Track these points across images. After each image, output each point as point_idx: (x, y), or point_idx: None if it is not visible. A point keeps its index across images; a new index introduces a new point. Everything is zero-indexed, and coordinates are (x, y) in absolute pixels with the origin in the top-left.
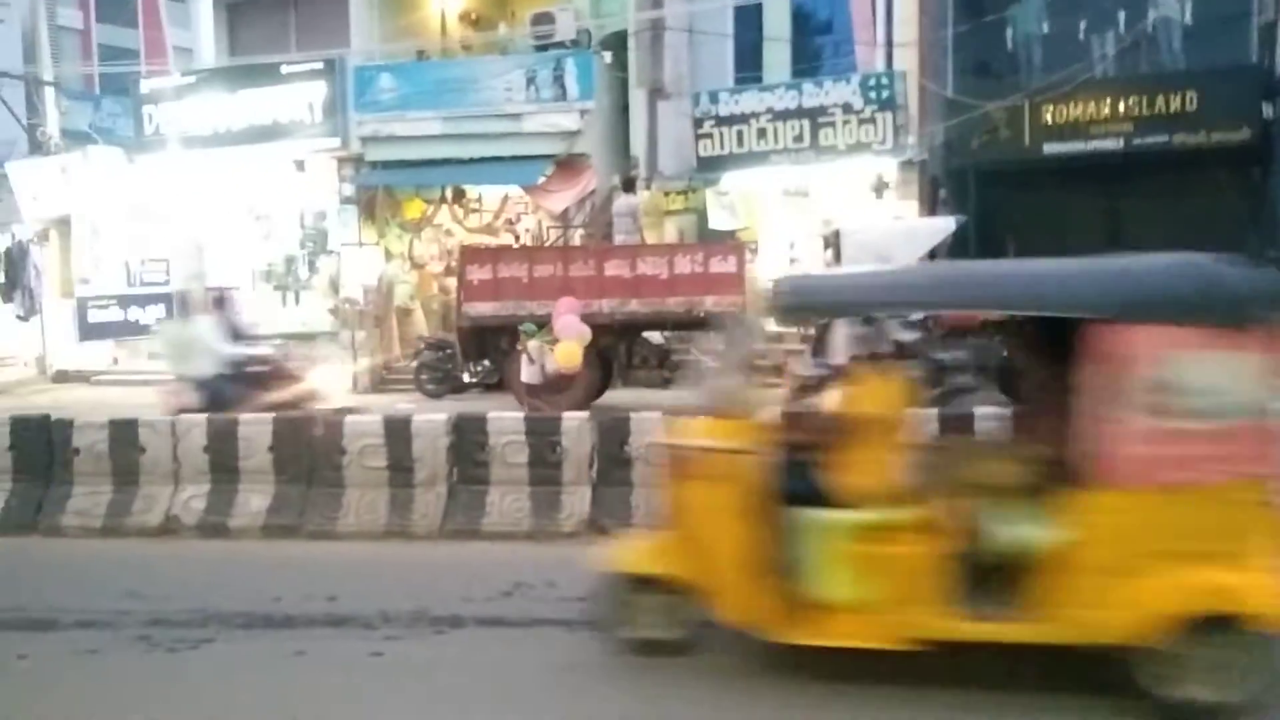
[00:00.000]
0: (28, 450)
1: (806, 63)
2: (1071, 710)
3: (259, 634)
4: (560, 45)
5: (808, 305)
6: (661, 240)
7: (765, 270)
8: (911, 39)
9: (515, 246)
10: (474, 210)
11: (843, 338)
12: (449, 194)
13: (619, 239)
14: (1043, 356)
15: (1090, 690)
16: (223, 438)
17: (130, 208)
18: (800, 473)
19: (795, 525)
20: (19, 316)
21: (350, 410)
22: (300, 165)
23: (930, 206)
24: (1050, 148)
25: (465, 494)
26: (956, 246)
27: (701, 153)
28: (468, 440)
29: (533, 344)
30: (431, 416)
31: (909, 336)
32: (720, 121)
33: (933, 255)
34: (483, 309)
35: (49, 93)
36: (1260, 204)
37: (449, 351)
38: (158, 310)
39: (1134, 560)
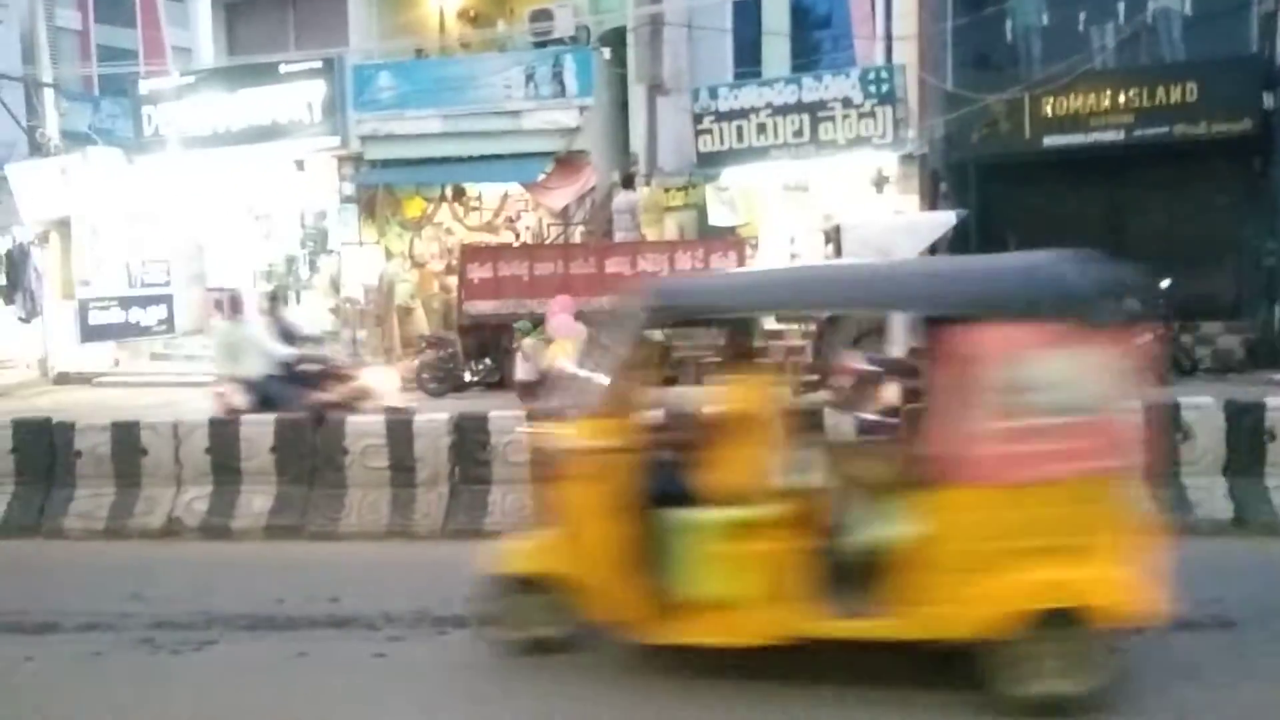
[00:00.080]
0: (30, 453)
1: (806, 57)
2: (930, 705)
3: (262, 635)
4: (559, 42)
5: (681, 307)
6: (662, 237)
7: (766, 265)
8: (911, 32)
9: (515, 244)
10: (474, 208)
11: (900, 333)
12: (449, 192)
13: (619, 236)
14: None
15: (949, 685)
16: (225, 439)
17: (130, 209)
18: (673, 472)
19: (665, 524)
20: (20, 319)
21: (403, 410)
22: (300, 165)
23: (931, 200)
24: (1050, 140)
25: (467, 494)
26: (957, 240)
27: (701, 148)
28: (469, 439)
29: (527, 342)
30: (433, 416)
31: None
32: (720, 117)
33: (934, 249)
34: (483, 307)
35: (48, 94)
36: (1261, 195)
37: (450, 350)
38: (159, 311)
39: (984, 556)
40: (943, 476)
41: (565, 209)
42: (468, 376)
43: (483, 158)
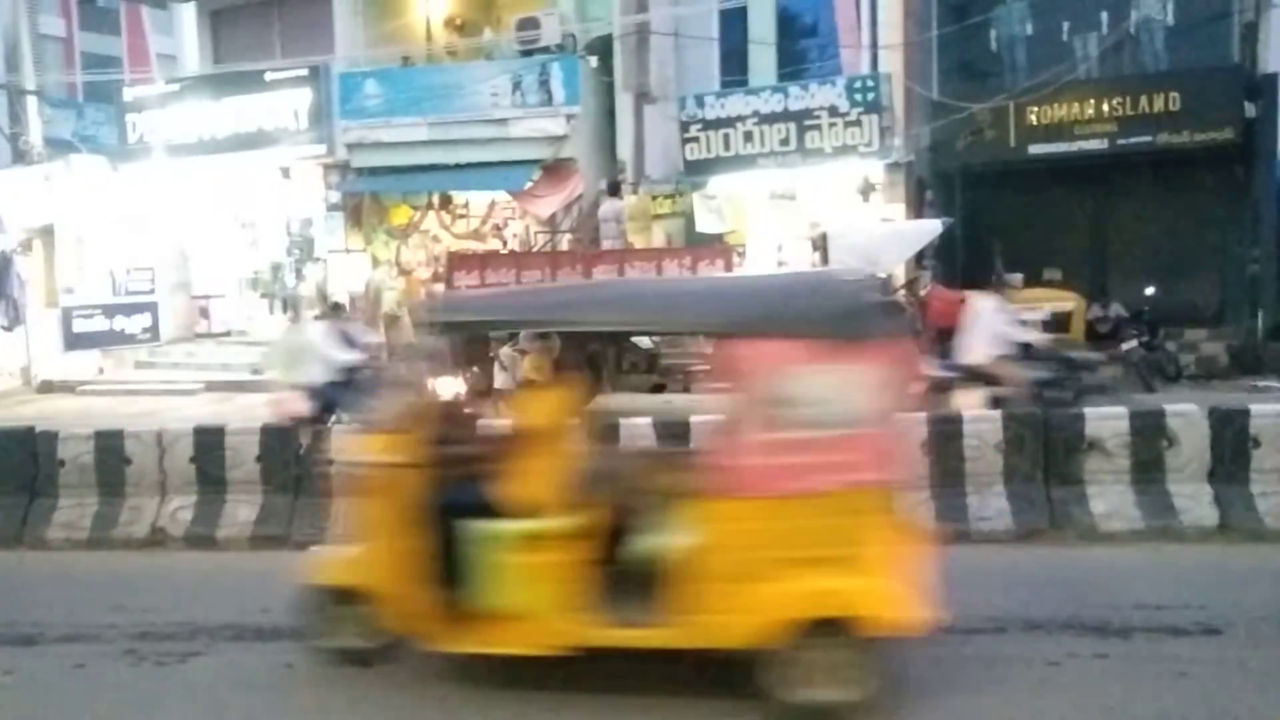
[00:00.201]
0: (12, 462)
1: (792, 66)
2: (706, 713)
3: (247, 646)
4: (545, 50)
5: (460, 322)
6: (649, 245)
7: (753, 273)
8: (896, 41)
9: (503, 252)
10: (461, 216)
11: (975, 338)
12: (436, 200)
13: (605, 243)
14: None
15: (729, 692)
16: (209, 448)
17: (114, 216)
18: (468, 484)
19: (457, 535)
20: (3, 327)
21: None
22: (286, 172)
23: (917, 208)
24: (1035, 148)
25: None
26: (943, 248)
27: (688, 156)
28: None
29: (504, 351)
30: None
31: (1031, 337)
32: (706, 125)
33: (920, 257)
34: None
35: (31, 101)
36: (1243, 203)
37: None
38: (143, 319)
39: (754, 567)
40: (717, 488)
41: (552, 217)
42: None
43: (469, 165)
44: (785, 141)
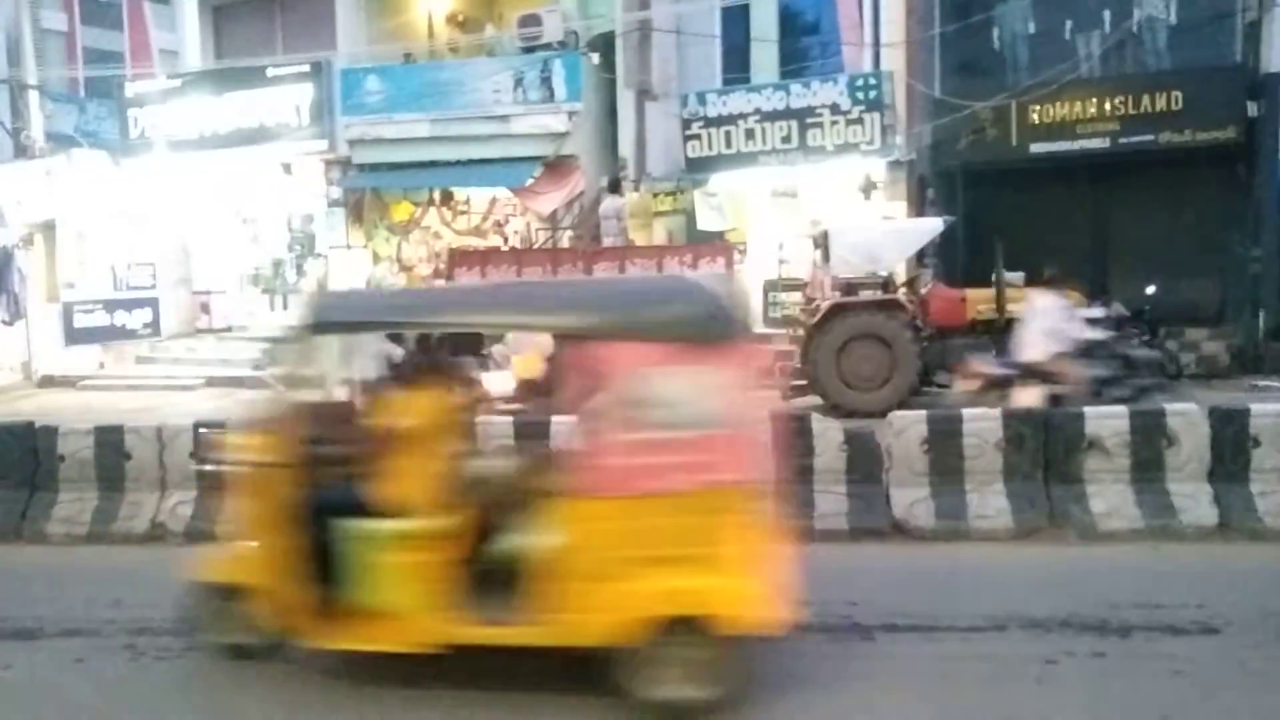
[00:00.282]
0: (12, 457)
1: (794, 63)
2: (565, 709)
3: None
4: (547, 47)
5: (335, 322)
6: (650, 242)
7: (754, 271)
8: (898, 39)
9: (504, 249)
10: (462, 212)
11: (1034, 335)
12: (437, 196)
13: (606, 241)
14: None
15: (592, 689)
16: (210, 444)
17: (116, 212)
18: (344, 483)
19: (332, 534)
20: (4, 321)
21: (519, 413)
22: (287, 168)
23: (918, 206)
24: (1037, 147)
25: None
26: (945, 246)
27: (690, 154)
28: None
29: (497, 349)
30: None
31: (1098, 335)
32: (708, 123)
33: (921, 255)
34: None
35: (33, 96)
36: (1245, 202)
37: None
38: (144, 315)
39: (613, 566)
40: (577, 488)
41: (554, 214)
42: None
43: (471, 162)
44: (787, 139)
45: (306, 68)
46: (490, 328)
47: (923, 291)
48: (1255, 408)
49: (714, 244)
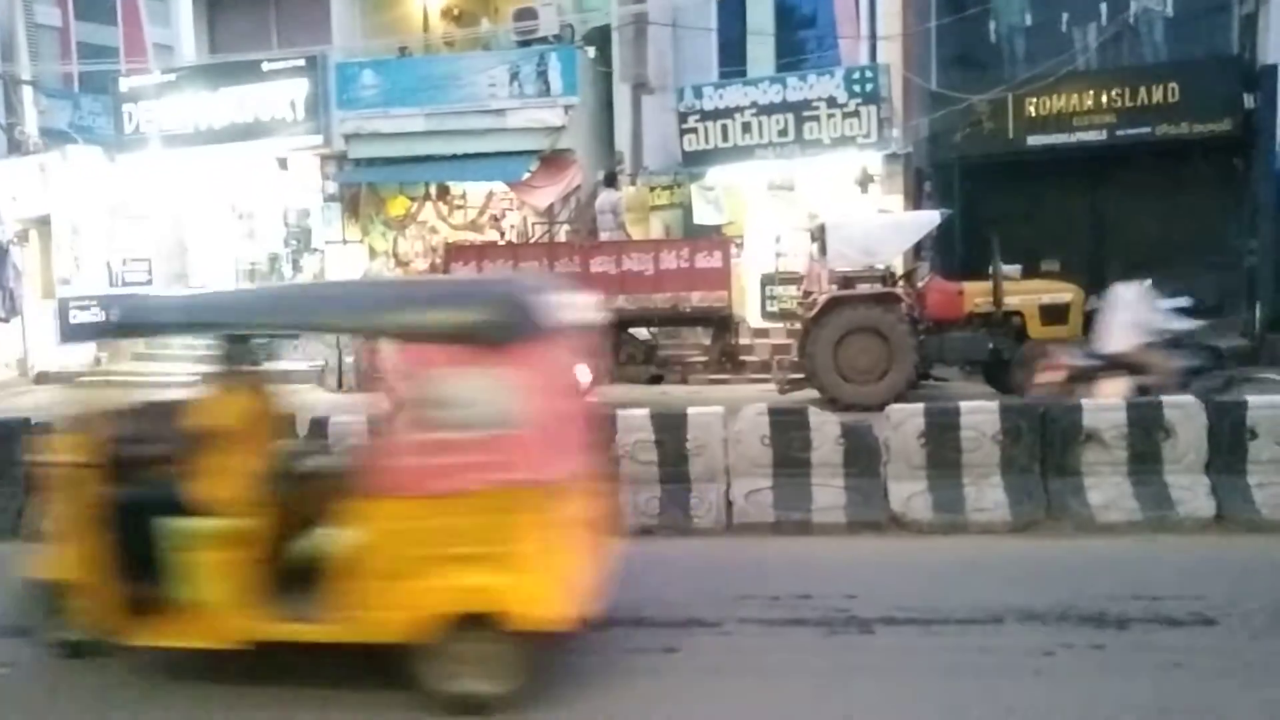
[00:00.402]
0: (8, 454)
1: (790, 56)
2: (378, 703)
3: None
4: (543, 40)
5: (135, 324)
6: (647, 236)
7: (751, 265)
8: (895, 32)
9: (500, 244)
10: (458, 207)
11: (1118, 326)
12: (433, 191)
13: (602, 235)
14: None
15: (396, 683)
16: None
17: (111, 207)
18: (156, 482)
19: (140, 533)
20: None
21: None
22: (283, 163)
23: (915, 199)
24: (1034, 140)
25: None
26: (942, 239)
27: (686, 147)
28: None
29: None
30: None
31: (1185, 325)
32: (705, 116)
33: (919, 248)
34: None
35: (27, 91)
36: (1242, 194)
37: None
38: None
39: (407, 564)
40: (372, 488)
41: (550, 208)
42: None
43: (467, 156)
44: (783, 132)
45: (301, 62)
46: (290, 329)
47: (920, 284)
48: (1252, 400)
49: (711, 238)
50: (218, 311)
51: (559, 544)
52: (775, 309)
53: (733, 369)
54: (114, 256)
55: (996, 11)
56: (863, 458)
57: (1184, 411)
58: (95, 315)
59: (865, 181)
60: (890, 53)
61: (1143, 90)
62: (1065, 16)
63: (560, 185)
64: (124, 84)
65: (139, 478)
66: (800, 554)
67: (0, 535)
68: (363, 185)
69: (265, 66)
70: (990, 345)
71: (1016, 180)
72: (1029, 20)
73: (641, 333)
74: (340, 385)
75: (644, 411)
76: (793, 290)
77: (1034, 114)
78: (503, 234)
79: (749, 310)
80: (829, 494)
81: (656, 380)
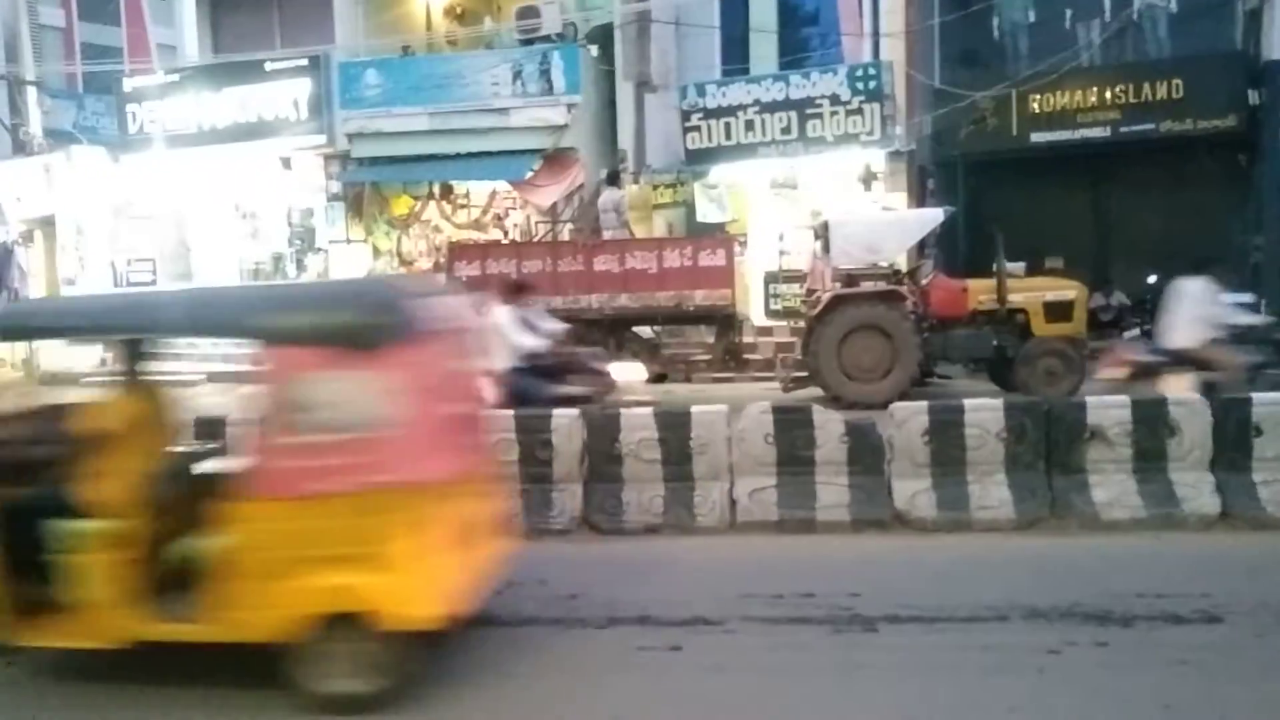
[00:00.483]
0: None
1: (793, 54)
2: (259, 703)
3: None
4: (546, 39)
5: (22, 327)
6: (650, 234)
7: (755, 263)
8: (898, 29)
9: (504, 242)
10: (462, 206)
11: (1183, 321)
12: (436, 190)
13: (606, 233)
14: None
15: (277, 684)
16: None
17: (115, 207)
18: (45, 485)
19: (31, 534)
20: None
21: (647, 404)
22: (286, 162)
23: (919, 197)
24: (1038, 136)
25: None
26: (946, 237)
27: (689, 145)
28: None
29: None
30: None
31: (1251, 319)
32: (708, 114)
33: (922, 245)
34: None
35: (31, 92)
36: (1246, 190)
37: None
38: None
39: (278, 565)
40: (245, 490)
41: (553, 206)
42: None
43: (470, 155)
44: (787, 130)
45: (305, 61)
46: (167, 333)
47: (924, 282)
48: (1257, 396)
49: (714, 236)
50: (92, 316)
51: (432, 544)
52: (779, 307)
53: (736, 367)
54: (118, 256)
55: (1000, 8)
56: (867, 456)
57: (1188, 409)
58: None
59: (869, 179)
60: (893, 50)
61: (1147, 86)
62: (1069, 12)
63: (563, 184)
64: (128, 84)
65: (29, 480)
66: (804, 552)
67: None
68: (366, 184)
69: (268, 66)
70: (994, 343)
71: (1020, 177)
72: (1032, 16)
73: (645, 331)
74: None
75: (647, 410)
76: (796, 288)
77: (1037, 111)
78: (506, 233)
79: (752, 308)
80: (833, 492)
81: (660, 379)
